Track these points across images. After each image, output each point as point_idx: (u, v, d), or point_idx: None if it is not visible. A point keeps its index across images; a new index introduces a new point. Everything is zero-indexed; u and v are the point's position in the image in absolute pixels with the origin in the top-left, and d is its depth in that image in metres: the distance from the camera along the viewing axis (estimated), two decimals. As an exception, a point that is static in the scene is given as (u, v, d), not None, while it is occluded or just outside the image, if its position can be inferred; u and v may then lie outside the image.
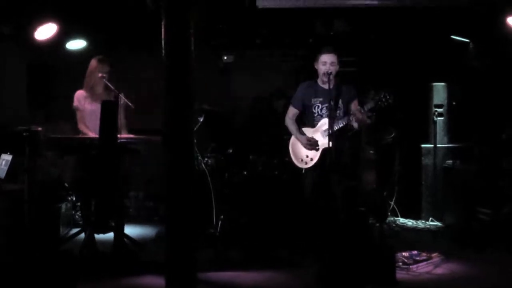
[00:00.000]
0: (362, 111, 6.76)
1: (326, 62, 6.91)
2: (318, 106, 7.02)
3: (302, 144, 7.02)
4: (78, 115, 7.19)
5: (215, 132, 9.00)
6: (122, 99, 6.89)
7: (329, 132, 6.57)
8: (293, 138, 7.21)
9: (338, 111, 6.93)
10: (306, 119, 7.16)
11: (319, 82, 7.06)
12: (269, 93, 9.57)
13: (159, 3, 5.61)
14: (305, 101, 7.12)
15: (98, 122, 6.45)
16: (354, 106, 6.98)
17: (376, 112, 6.90)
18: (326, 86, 6.83)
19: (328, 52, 6.95)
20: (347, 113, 6.93)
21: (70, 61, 8.58)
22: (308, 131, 7.06)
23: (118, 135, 6.53)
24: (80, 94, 7.21)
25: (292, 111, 7.22)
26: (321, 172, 6.86)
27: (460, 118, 8.90)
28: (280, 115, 7.62)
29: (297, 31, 9.45)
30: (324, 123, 6.89)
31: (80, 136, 7.05)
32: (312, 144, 6.95)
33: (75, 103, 7.19)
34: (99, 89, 7.13)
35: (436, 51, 9.01)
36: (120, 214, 6.81)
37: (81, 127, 7.16)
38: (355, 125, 6.85)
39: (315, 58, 7.06)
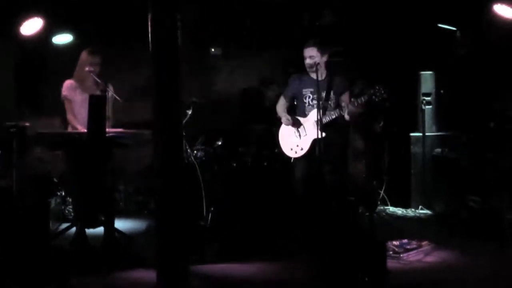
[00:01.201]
0: (356, 104, 6.80)
1: (305, 57, 6.98)
2: (309, 96, 7.07)
3: (283, 121, 7.06)
4: (67, 105, 7.03)
5: (204, 124, 8.99)
6: (110, 92, 6.85)
7: (318, 121, 6.61)
8: (282, 127, 7.23)
9: (329, 102, 6.97)
10: (298, 109, 7.20)
11: (310, 73, 7.09)
12: (257, 84, 9.58)
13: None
14: (296, 92, 7.17)
15: (87, 113, 6.41)
16: (346, 98, 7.03)
17: (368, 104, 6.94)
18: (315, 76, 6.85)
19: (307, 46, 7.01)
20: (338, 104, 6.96)
21: (57, 55, 8.54)
22: (299, 120, 7.09)
23: (107, 129, 6.49)
24: (69, 83, 7.07)
25: (281, 102, 7.29)
26: (311, 162, 6.89)
27: (448, 106, 8.92)
28: (272, 105, 7.63)
29: (284, 22, 9.43)
30: (315, 113, 6.92)
31: (68, 129, 7.00)
32: (291, 122, 6.99)
33: (64, 92, 7.03)
34: (88, 81, 7.02)
35: (424, 39, 9.01)
36: (109, 208, 6.80)
37: (70, 118, 7.01)
38: (347, 116, 6.90)
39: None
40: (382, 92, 6.72)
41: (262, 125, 8.56)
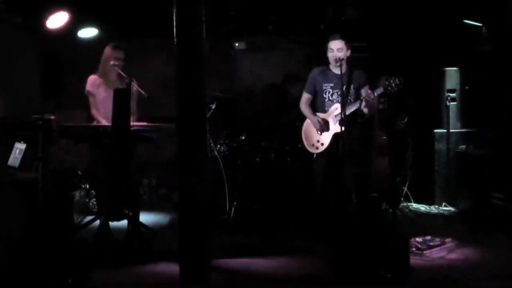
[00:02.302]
0: (372, 96, 6.79)
1: (333, 49, 6.94)
2: (329, 91, 7.05)
3: (313, 123, 7.05)
4: (91, 100, 7.12)
5: (227, 119, 9.01)
6: (135, 86, 6.88)
7: (341, 117, 6.60)
8: (305, 123, 7.24)
9: (349, 97, 6.95)
10: (317, 104, 7.19)
11: (331, 67, 7.07)
12: (281, 79, 9.58)
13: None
14: (316, 86, 7.15)
15: (111, 108, 6.45)
16: (365, 91, 7.01)
17: (388, 98, 6.91)
18: (337, 71, 6.84)
19: (335, 38, 6.98)
20: (357, 98, 6.94)
21: (82, 49, 8.58)
22: (320, 116, 7.08)
23: (131, 123, 6.52)
24: (93, 79, 7.15)
25: (305, 97, 7.26)
26: (332, 157, 6.89)
27: (473, 102, 8.85)
28: (295, 100, 7.62)
29: (308, 17, 9.42)
30: (335, 108, 6.94)
31: (93, 123, 7.06)
32: (322, 125, 6.98)
33: (88, 87, 7.11)
34: (112, 76, 7.09)
35: (449, 35, 8.95)
36: (134, 202, 6.83)
37: (94, 112, 7.10)
38: (365, 110, 6.87)
39: (326, 45, 7.09)
40: (397, 82, 6.66)
41: (285, 120, 8.55)
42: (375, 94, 6.78)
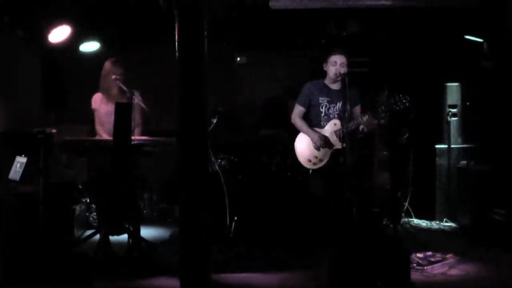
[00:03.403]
0: (367, 117, 6.75)
1: (336, 63, 6.94)
2: (326, 106, 7.03)
3: (313, 140, 7.00)
4: (95, 115, 7.36)
5: (228, 133, 9.01)
6: (136, 100, 6.91)
7: (342, 133, 6.58)
8: (298, 138, 7.17)
9: (346, 113, 6.93)
10: (311, 118, 7.14)
11: (327, 82, 7.08)
12: (282, 94, 9.60)
13: (172, 4, 5.62)
14: (312, 100, 7.13)
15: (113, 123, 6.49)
16: (357, 111, 7.01)
17: (389, 113, 6.89)
18: (334, 86, 6.86)
19: (338, 53, 6.97)
20: (351, 116, 6.92)
21: (84, 63, 8.60)
22: (319, 132, 7.04)
23: (132, 137, 6.54)
24: (97, 96, 7.36)
25: (298, 109, 7.23)
26: (331, 173, 6.85)
27: (474, 118, 8.86)
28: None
29: (309, 32, 9.44)
30: (333, 123, 6.90)
31: (95, 137, 7.10)
32: (323, 142, 6.94)
33: (92, 105, 7.36)
34: (114, 90, 7.19)
35: (450, 51, 8.98)
36: (134, 216, 6.83)
37: (97, 128, 7.34)
38: (365, 129, 6.86)
39: (324, 60, 7.09)
40: (404, 101, 6.64)
41: (286, 134, 8.55)
42: (380, 111, 6.74)
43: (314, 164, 7.01)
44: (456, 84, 9.00)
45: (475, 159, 8.49)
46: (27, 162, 6.58)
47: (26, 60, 8.92)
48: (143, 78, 8.78)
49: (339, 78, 6.83)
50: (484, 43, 8.76)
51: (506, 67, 8.40)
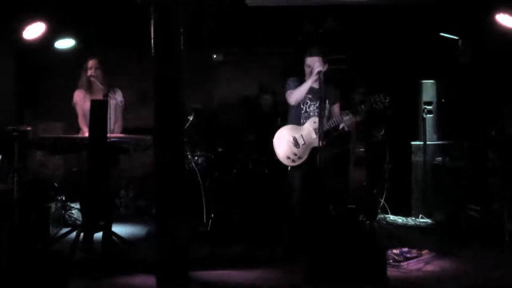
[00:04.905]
0: (356, 112, 6.75)
1: (309, 65, 6.89)
2: (307, 103, 6.97)
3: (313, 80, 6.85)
4: (77, 110, 7.21)
5: (205, 130, 8.99)
6: (112, 97, 6.87)
7: (319, 131, 6.56)
8: (276, 135, 7.06)
9: (325, 111, 6.91)
10: (292, 114, 7.08)
11: (307, 79, 7.03)
12: (259, 91, 9.61)
13: (148, 0, 5.60)
14: None
15: None
16: (336, 109, 6.98)
17: (369, 111, 6.89)
18: (315, 85, 6.81)
19: (311, 55, 6.91)
20: (330, 114, 6.91)
21: (59, 60, 8.55)
22: (295, 128, 6.99)
23: (108, 134, 6.50)
24: (78, 92, 7.23)
25: (290, 89, 7.08)
26: (311, 170, 6.84)
27: (450, 115, 8.91)
28: (273, 111, 7.59)
29: (286, 29, 9.43)
30: (313, 121, 6.87)
31: (80, 134, 7.04)
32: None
33: (74, 99, 7.20)
34: (95, 88, 7.10)
35: (425, 48, 9.02)
36: (108, 213, 6.78)
37: (80, 121, 7.19)
38: (345, 127, 6.85)
39: (302, 58, 7.07)
40: (384, 100, 6.67)
41: (262, 131, 8.55)
42: (359, 110, 6.74)
43: (293, 161, 6.94)
44: (431, 81, 9.06)
45: (450, 156, 8.55)
46: (1, 159, 6.54)
47: (0, 57, 8.84)
48: (120, 75, 8.74)
49: (319, 76, 6.78)
50: (460, 41, 8.82)
51: (482, 64, 8.47)
